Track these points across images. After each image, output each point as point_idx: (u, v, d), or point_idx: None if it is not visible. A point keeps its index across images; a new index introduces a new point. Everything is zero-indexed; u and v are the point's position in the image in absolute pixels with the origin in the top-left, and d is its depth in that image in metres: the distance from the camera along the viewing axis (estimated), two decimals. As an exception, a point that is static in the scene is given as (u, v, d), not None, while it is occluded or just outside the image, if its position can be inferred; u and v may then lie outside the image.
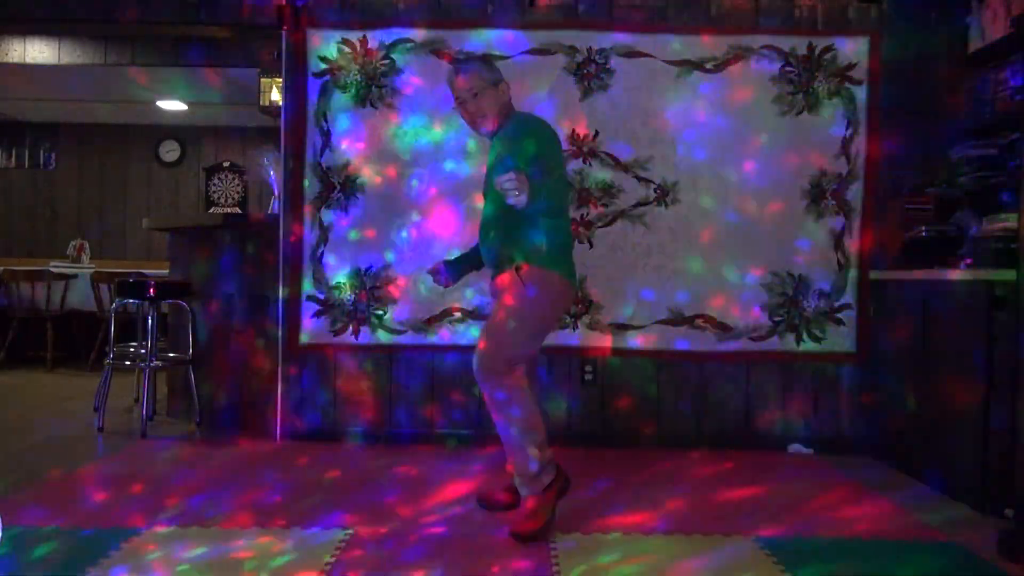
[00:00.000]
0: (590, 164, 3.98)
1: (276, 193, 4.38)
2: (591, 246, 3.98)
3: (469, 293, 3.98)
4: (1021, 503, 2.63)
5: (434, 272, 3.04)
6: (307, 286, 4.02)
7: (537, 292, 2.68)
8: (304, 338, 4.03)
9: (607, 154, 3.96)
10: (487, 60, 3.11)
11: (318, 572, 2.31)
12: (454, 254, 3.36)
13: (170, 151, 8.58)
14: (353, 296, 4.02)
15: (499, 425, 2.71)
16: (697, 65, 3.97)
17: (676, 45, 3.97)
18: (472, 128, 2.91)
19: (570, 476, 2.81)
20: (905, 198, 3.90)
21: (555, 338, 3.98)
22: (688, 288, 3.97)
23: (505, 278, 2.76)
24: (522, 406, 2.66)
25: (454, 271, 3.04)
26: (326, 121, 4.01)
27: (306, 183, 4.02)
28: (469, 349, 3.97)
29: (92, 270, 6.85)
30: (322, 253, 4.02)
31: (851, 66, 3.98)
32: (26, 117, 8.28)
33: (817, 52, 3.97)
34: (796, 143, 3.98)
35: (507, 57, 3.96)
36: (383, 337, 4.02)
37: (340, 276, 4.02)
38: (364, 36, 4.00)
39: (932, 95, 3.98)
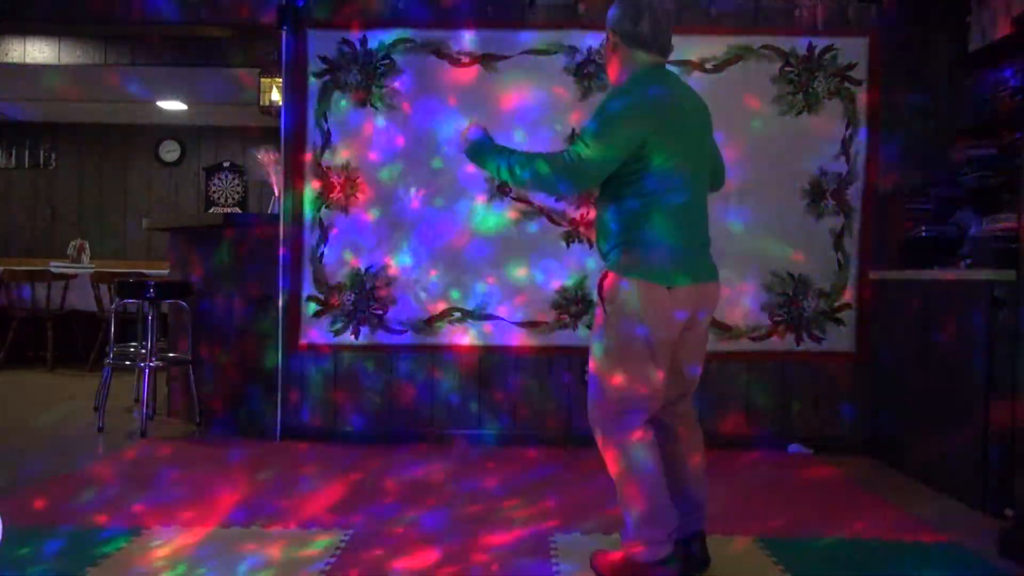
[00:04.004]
0: (590, 164, 3.97)
1: (276, 193, 4.38)
2: (591, 246, 3.97)
3: (469, 293, 3.98)
4: (1021, 503, 2.63)
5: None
6: (307, 286, 4.02)
7: (623, 311, 2.18)
8: (304, 338, 4.03)
9: (607, 154, 3.96)
10: (630, 5, 2.31)
11: (318, 572, 2.31)
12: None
13: (170, 151, 8.58)
14: (353, 296, 4.02)
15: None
16: (697, 65, 3.97)
17: (676, 45, 3.95)
18: None
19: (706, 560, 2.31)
20: (905, 198, 3.90)
21: (555, 338, 3.99)
22: (688, 288, 3.97)
23: (602, 281, 2.28)
24: (638, 481, 2.17)
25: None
26: (326, 121, 4.01)
27: (306, 183, 4.02)
28: (469, 349, 4.01)
29: (92, 270, 6.84)
30: (322, 253, 4.02)
31: (851, 66, 3.98)
32: (26, 117, 8.28)
33: (817, 52, 3.97)
34: (796, 143, 3.98)
35: (507, 57, 3.97)
36: (383, 337, 4.02)
37: (340, 276, 4.02)
38: (364, 36, 4.00)
39: (932, 95, 3.98)
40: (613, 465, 2.23)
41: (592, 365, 2.27)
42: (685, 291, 2.18)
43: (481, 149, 2.32)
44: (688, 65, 3.96)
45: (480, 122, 2.41)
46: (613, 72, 2.36)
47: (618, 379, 2.19)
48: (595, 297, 2.35)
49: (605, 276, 2.25)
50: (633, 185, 2.20)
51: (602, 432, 2.24)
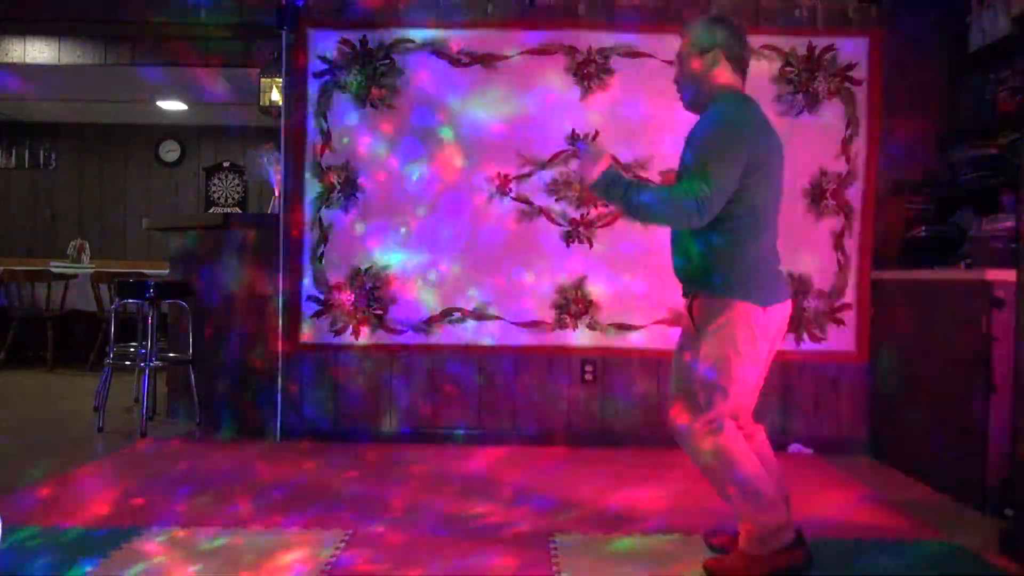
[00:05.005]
0: (590, 164, 3.97)
1: (276, 193, 4.38)
2: (591, 246, 3.98)
3: (469, 293, 3.98)
4: (1021, 503, 2.63)
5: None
6: (307, 286, 4.02)
7: (717, 329, 2.25)
8: (304, 338, 4.03)
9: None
10: (717, 20, 2.43)
11: (318, 572, 2.31)
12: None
13: (170, 151, 8.58)
14: (353, 296, 4.02)
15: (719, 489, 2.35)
16: (697, 65, 3.97)
17: (676, 45, 3.95)
18: None
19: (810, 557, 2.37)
20: (905, 198, 3.90)
21: (555, 338, 3.99)
22: (688, 288, 3.97)
23: (695, 304, 2.36)
24: (750, 470, 2.28)
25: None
26: (326, 121, 4.01)
27: (306, 183, 4.02)
28: (469, 349, 4.01)
29: (92, 270, 6.84)
30: (322, 253, 4.02)
31: (851, 66, 3.98)
32: (26, 117, 8.28)
33: (817, 52, 3.97)
34: (796, 143, 3.95)
35: (507, 57, 3.97)
36: (383, 337, 4.02)
37: (340, 276, 4.02)
38: (364, 36, 4.00)
39: (932, 95, 3.98)
40: (713, 468, 2.29)
41: (685, 379, 2.34)
42: (776, 308, 2.32)
43: (611, 185, 2.26)
44: (688, 65, 3.96)
45: (599, 143, 2.36)
46: (705, 90, 2.36)
47: (720, 392, 2.25)
48: (684, 315, 2.42)
49: (693, 297, 2.34)
50: (738, 206, 2.23)
51: (704, 437, 2.28)
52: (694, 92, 2.39)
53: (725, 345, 2.24)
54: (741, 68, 2.39)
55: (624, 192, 2.25)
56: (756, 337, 2.26)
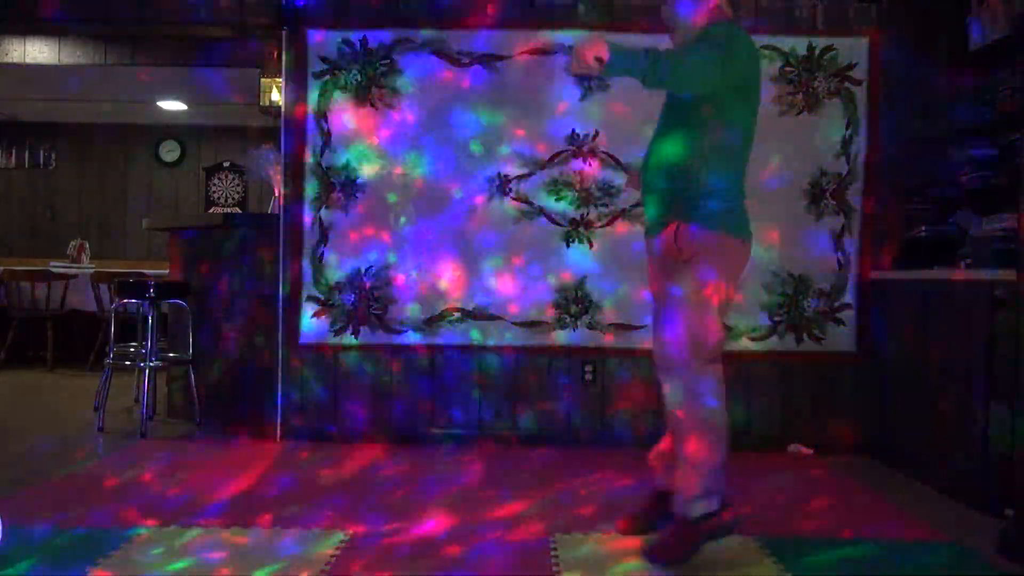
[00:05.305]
0: (590, 164, 3.98)
1: (276, 193, 4.38)
2: (591, 246, 3.98)
3: (469, 293, 3.98)
4: (1021, 503, 2.63)
5: (628, 182, 2.72)
6: (307, 286, 4.02)
7: (706, 262, 2.27)
8: (304, 338, 4.03)
9: (607, 154, 3.96)
10: None
11: (318, 572, 2.31)
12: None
13: (170, 151, 8.58)
14: (353, 296, 4.02)
15: (681, 425, 2.35)
16: (697, 65, 3.97)
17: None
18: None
19: (740, 520, 2.47)
20: (905, 198, 3.90)
21: (555, 338, 3.99)
22: (688, 288, 3.97)
23: (668, 236, 2.35)
24: (717, 428, 2.32)
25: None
26: (326, 121, 4.01)
27: (306, 183, 4.02)
28: (469, 349, 4.02)
29: (92, 270, 6.84)
30: (322, 253, 4.02)
31: (851, 66, 3.98)
32: (26, 117, 8.27)
33: (817, 52, 3.97)
34: (796, 143, 3.98)
35: (507, 57, 3.97)
36: (383, 337, 4.02)
37: (340, 276, 4.02)
38: (364, 36, 4.00)
39: (932, 95, 3.98)
40: (692, 413, 2.30)
41: (675, 311, 2.30)
42: (748, 245, 2.37)
43: (624, 55, 2.11)
44: (688, 65, 3.96)
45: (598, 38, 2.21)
46: (702, 12, 2.36)
47: (710, 324, 2.27)
48: (656, 244, 2.40)
49: (682, 225, 2.30)
50: (731, 131, 2.26)
51: (686, 378, 2.29)
52: (686, 30, 2.37)
53: (719, 276, 2.27)
54: (732, 3, 2.44)
55: (645, 54, 2.11)
56: (738, 268, 2.35)
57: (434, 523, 2.79)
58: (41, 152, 8.48)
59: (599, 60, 2.06)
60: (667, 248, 2.35)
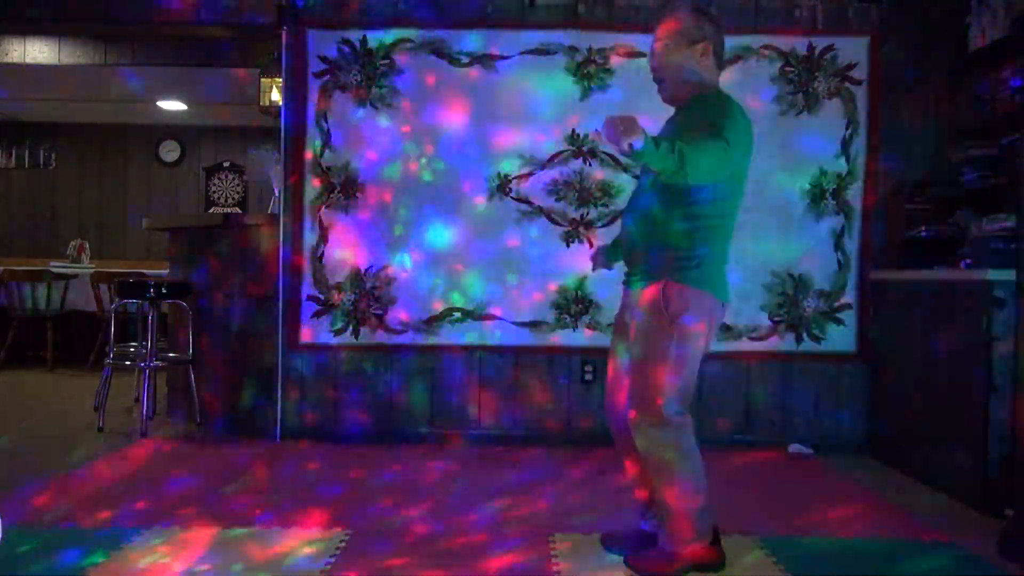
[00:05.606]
0: (590, 164, 3.98)
1: (276, 193, 4.38)
2: (591, 246, 3.97)
3: (469, 293, 3.98)
4: (1021, 503, 2.63)
5: (593, 258, 2.76)
6: (307, 286, 4.02)
7: (693, 319, 2.27)
8: (304, 338, 4.03)
9: (607, 154, 3.96)
10: (704, 13, 2.40)
11: (318, 572, 2.31)
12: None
13: (170, 151, 8.59)
14: (353, 296, 4.02)
15: (663, 473, 2.32)
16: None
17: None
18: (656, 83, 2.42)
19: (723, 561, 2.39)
20: (905, 198, 3.90)
21: (555, 338, 3.99)
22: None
23: (655, 292, 2.31)
24: (694, 472, 2.31)
25: (612, 256, 2.68)
26: (326, 121, 4.01)
27: (306, 183, 4.02)
28: (469, 349, 4.01)
29: (92, 270, 6.84)
30: (322, 253, 4.02)
31: (851, 66, 3.98)
32: (26, 117, 8.28)
33: (817, 52, 3.97)
34: (796, 143, 3.98)
35: (507, 57, 3.97)
36: (383, 337, 4.02)
37: (340, 276, 4.02)
38: (364, 36, 4.00)
39: (932, 95, 3.98)
40: (669, 462, 2.29)
41: (646, 367, 2.29)
42: (726, 308, 2.40)
43: (652, 155, 2.10)
44: (688, 65, 3.96)
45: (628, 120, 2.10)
46: (694, 79, 2.34)
47: (681, 379, 2.28)
48: (638, 296, 2.37)
49: (665, 285, 2.28)
50: (713, 202, 2.28)
51: (660, 430, 2.27)
52: (677, 84, 2.36)
53: (698, 334, 2.29)
54: (720, 65, 2.41)
55: (671, 148, 2.08)
56: (714, 328, 2.37)
57: (434, 523, 2.79)
58: (41, 152, 8.49)
59: (630, 145, 2.05)
60: (652, 305, 2.31)
